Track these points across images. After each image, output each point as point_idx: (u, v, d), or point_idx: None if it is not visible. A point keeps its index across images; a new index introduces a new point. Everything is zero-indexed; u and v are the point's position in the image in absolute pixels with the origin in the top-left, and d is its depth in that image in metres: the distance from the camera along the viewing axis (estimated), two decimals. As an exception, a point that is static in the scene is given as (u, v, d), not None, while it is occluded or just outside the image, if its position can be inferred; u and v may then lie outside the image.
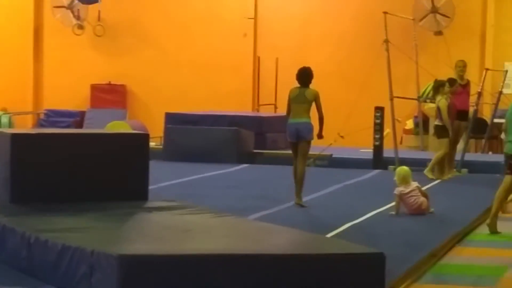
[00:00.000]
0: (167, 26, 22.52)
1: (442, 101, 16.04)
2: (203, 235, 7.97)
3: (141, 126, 17.60)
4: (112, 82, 23.18)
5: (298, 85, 12.98)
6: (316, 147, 17.00)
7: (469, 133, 17.45)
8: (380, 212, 12.11)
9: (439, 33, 21.15)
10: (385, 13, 19.35)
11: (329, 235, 9.43)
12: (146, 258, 6.27)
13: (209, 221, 8.85)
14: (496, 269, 8.60)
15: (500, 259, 9.32)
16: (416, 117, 19.68)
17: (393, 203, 12.23)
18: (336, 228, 10.30)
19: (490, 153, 19.16)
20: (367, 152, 18.39)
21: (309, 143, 13.11)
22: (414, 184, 12.32)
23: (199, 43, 21.98)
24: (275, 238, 8.16)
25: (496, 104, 18.66)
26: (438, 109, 16.05)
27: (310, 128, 13.05)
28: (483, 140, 18.74)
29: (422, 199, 12.09)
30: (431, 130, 17.51)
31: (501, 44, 20.77)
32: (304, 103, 12.98)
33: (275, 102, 21.75)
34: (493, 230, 11.05)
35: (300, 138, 12.93)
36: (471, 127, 17.39)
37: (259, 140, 19.11)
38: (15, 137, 9.84)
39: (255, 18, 22.45)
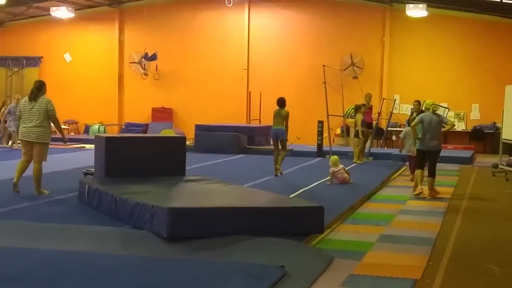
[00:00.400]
0: (195, 73, 25.08)
1: (359, 116, 18.58)
2: (217, 196, 9.48)
3: (181, 132, 20.97)
4: (164, 106, 25.80)
5: (278, 107, 15.99)
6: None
7: (373, 136, 20.11)
8: (321, 182, 13.87)
9: (355, 77, 23.86)
10: (324, 66, 21.60)
11: (291, 195, 11.22)
12: (183, 210, 7.86)
13: (220, 187, 10.52)
14: (389, 216, 10.06)
15: (392, 210, 10.69)
16: (342, 126, 22.98)
17: (329, 177, 14.04)
18: (295, 192, 12.05)
19: (385, 148, 22.94)
20: (313, 147, 21.33)
21: (285, 140, 16.09)
22: (341, 166, 14.07)
23: (214, 83, 24.95)
24: (259, 197, 9.64)
25: (389, 119, 21.31)
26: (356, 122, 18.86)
27: (284, 132, 16.03)
28: (381, 140, 22.31)
29: (346, 175, 13.81)
30: (351, 134, 20.76)
31: (392, 84, 23.15)
32: (280, 117, 16.00)
33: (259, 118, 24.76)
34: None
35: (279, 138, 15.91)
36: (374, 132, 20.20)
37: (250, 140, 21.72)
38: (108, 139, 11.31)
39: (247, 69, 25.27)
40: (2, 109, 22.06)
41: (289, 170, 16.07)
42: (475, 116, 21.89)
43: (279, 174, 15.34)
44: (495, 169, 16.34)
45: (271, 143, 17.63)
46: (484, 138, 21.08)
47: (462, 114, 21.91)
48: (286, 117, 16.17)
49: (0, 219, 8.44)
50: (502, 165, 16.19)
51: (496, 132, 20.08)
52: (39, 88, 10.86)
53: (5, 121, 21.52)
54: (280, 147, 16.11)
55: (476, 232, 8.92)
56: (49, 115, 10.78)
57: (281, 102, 16.40)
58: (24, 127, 10.79)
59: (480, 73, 21.65)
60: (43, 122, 10.76)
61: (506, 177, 15.01)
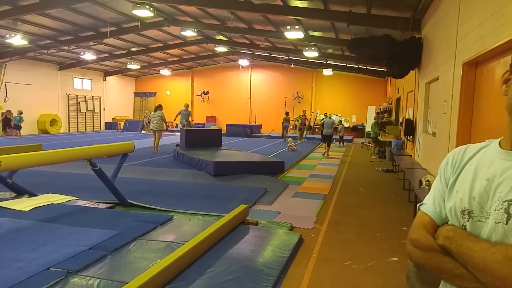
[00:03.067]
0: (225, 100, 24.36)
1: (299, 120, 18.23)
2: (235, 156, 9.15)
3: (219, 127, 19.00)
4: (211, 115, 24.95)
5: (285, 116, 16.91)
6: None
7: (306, 129, 18.94)
8: (282, 150, 12.73)
9: (299, 102, 22.68)
10: (285, 97, 21.78)
11: (269, 156, 10.63)
12: (220, 162, 7.83)
13: (237, 152, 10.06)
14: (314, 165, 9.86)
15: (315, 162, 10.28)
16: (294, 125, 21.15)
17: (286, 148, 13.16)
18: (271, 154, 11.35)
19: (312, 134, 20.13)
20: (279, 134, 18.79)
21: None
22: (292, 142, 13.51)
23: (234, 104, 23.94)
24: (254, 157, 9.39)
25: (314, 122, 20.87)
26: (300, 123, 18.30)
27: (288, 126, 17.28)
28: (310, 131, 20.10)
29: (294, 147, 13.02)
30: (297, 128, 18.99)
31: (315, 105, 22.62)
32: (287, 121, 17.62)
33: (255, 121, 23.79)
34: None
35: (286, 128, 17.30)
36: (307, 128, 19.05)
37: (250, 131, 20.62)
38: (186, 130, 10.92)
39: (250, 98, 24.45)
40: (145, 118, 22.36)
41: (268, 145, 14.92)
42: (354, 120, 21.94)
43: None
44: (362, 144, 16.39)
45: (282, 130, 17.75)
46: (357, 130, 21.15)
47: (348, 119, 21.94)
48: (288, 120, 17.67)
49: (138, 166, 8.46)
50: (366, 143, 16.21)
51: (363, 127, 20.16)
52: (158, 107, 11.98)
53: (148, 122, 21.98)
54: (287, 133, 17.43)
55: (353, 172, 8.92)
56: (162, 118, 11.63)
57: (287, 113, 18.07)
58: (152, 124, 11.79)
59: (356, 100, 21.63)
60: (159, 121, 11.57)
61: (367, 147, 14.99)
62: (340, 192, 6.65)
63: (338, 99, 22.38)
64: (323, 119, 13.08)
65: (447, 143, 5.17)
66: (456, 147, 3.82)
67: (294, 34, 11.93)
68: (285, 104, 22.04)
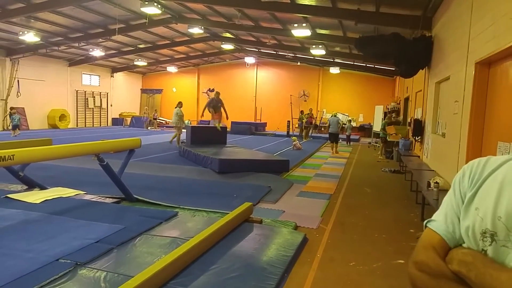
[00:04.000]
0: (232, 97, 23.52)
1: (305, 119, 18.00)
2: (240, 153, 9.20)
3: (224, 125, 17.75)
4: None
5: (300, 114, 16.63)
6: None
7: (312, 128, 18.73)
8: (287, 149, 12.70)
9: (305, 100, 22.46)
10: (290, 95, 21.69)
11: (274, 154, 10.58)
12: (225, 159, 7.85)
13: (241, 150, 10.20)
14: (319, 165, 9.80)
15: (321, 162, 10.29)
16: (299, 124, 21.02)
17: (291, 147, 13.00)
18: (276, 153, 11.31)
19: (318, 133, 19.67)
20: (284, 132, 19.41)
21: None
22: (297, 141, 13.35)
23: (240, 102, 23.44)
24: (259, 155, 9.43)
25: (320, 121, 20.72)
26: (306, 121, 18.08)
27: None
28: (316, 130, 19.72)
29: (299, 145, 12.90)
30: (303, 127, 18.69)
31: (322, 104, 22.41)
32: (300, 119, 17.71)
33: (260, 119, 23.67)
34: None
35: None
36: (313, 126, 18.84)
37: (255, 129, 20.56)
38: (192, 127, 11.23)
39: (255, 96, 24.29)
40: (151, 115, 23.17)
41: (273, 143, 14.85)
42: (361, 119, 21.81)
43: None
44: (369, 144, 16.24)
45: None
46: (364, 130, 21.03)
47: (355, 118, 21.80)
48: (302, 118, 17.92)
49: (144, 162, 8.53)
50: (373, 143, 16.05)
51: (370, 127, 20.07)
52: (178, 104, 12.93)
53: (155, 119, 22.73)
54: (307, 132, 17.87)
55: (359, 172, 8.84)
56: (178, 115, 12.54)
57: (301, 112, 18.07)
58: (172, 120, 12.86)
59: (363, 99, 21.49)
60: (176, 117, 12.57)
61: (374, 147, 14.82)
62: (345, 192, 6.61)
63: (345, 98, 22.26)
64: (330, 118, 13.14)
65: (457, 145, 5.11)
66: (467, 149, 4.30)
67: (301, 32, 11.90)
68: (291, 103, 21.99)
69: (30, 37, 13.72)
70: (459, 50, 5.44)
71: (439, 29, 7.36)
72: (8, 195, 5.01)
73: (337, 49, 16.34)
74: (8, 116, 16.91)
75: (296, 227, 4.40)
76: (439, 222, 0.81)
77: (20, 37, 13.87)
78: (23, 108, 18.11)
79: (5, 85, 17.34)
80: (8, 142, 5.98)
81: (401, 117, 14.14)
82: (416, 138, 9.26)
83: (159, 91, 25.65)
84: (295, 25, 11.59)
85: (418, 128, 8.78)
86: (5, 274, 2.75)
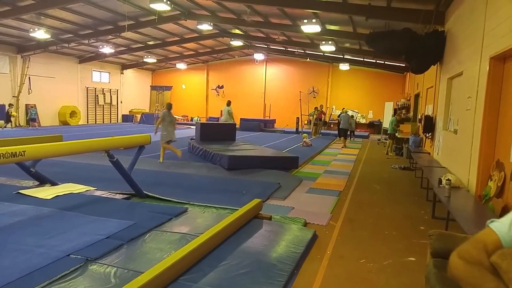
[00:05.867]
0: (240, 94, 23.81)
1: (315, 115, 17.71)
2: (248, 150, 9.08)
3: (234, 122, 18.71)
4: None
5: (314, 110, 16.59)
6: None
7: (321, 124, 18.50)
8: (297, 145, 12.66)
9: (314, 97, 22.30)
10: (300, 91, 21.53)
11: (283, 151, 10.48)
12: (234, 156, 7.76)
13: (250, 146, 9.95)
14: (328, 161, 9.79)
15: (330, 158, 10.28)
16: (308, 120, 20.93)
17: (301, 143, 13.05)
18: (285, 149, 11.27)
19: (327, 130, 19.93)
20: (293, 129, 19.29)
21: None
22: (308, 138, 13.54)
23: (249, 99, 23.43)
24: (268, 151, 9.28)
25: (329, 117, 20.75)
26: (315, 118, 17.79)
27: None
28: (325, 127, 19.95)
29: (309, 142, 13.02)
30: (312, 124, 18.49)
31: (331, 100, 22.20)
32: (311, 115, 17.50)
33: (269, 115, 23.55)
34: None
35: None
36: (323, 123, 18.76)
37: (264, 125, 20.38)
38: (202, 123, 11.14)
39: (264, 93, 24.12)
40: (157, 111, 23.22)
41: (282, 140, 14.81)
42: (370, 116, 21.61)
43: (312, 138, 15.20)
44: (379, 141, 16.01)
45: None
46: (374, 126, 20.84)
47: (364, 115, 21.65)
48: (313, 114, 17.74)
49: (153, 158, 8.53)
50: (383, 140, 15.80)
51: (379, 124, 19.90)
52: (228, 103, 12.84)
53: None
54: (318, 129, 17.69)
55: (369, 169, 8.78)
56: (229, 113, 12.43)
57: (315, 109, 17.75)
58: (222, 118, 12.95)
59: (373, 96, 21.30)
60: (226, 115, 12.49)
61: (383, 144, 14.58)
62: (355, 189, 6.55)
63: (354, 95, 22.07)
64: (340, 114, 13.29)
65: (470, 141, 5.02)
66: (480, 145, 4.20)
67: (311, 28, 11.79)
68: (300, 99, 21.88)
69: (40, 34, 13.82)
70: (473, 45, 5.34)
71: (453, 24, 7.22)
72: (20, 191, 5.07)
73: (347, 45, 16.18)
74: (11, 111, 17.21)
75: (305, 224, 4.37)
76: (502, 224, 0.82)
77: (31, 34, 13.99)
78: (35, 105, 18.34)
79: (16, 82, 17.58)
80: (19, 138, 6.06)
81: (411, 114, 13.99)
82: (427, 135, 9.13)
83: (169, 88, 25.72)
84: (305, 21, 11.50)
85: (429, 124, 8.66)
86: (17, 269, 2.77)
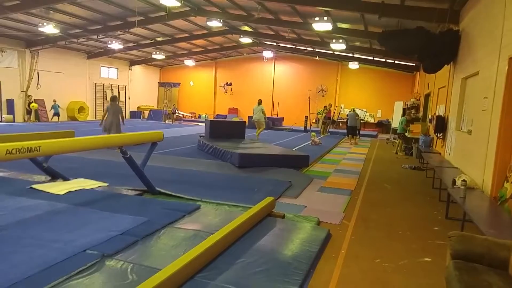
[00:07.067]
0: (248, 91, 23.87)
1: (324, 114, 17.57)
2: (259, 148, 9.07)
3: (242, 120, 18.82)
4: (232, 107, 24.65)
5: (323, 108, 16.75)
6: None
7: (330, 123, 18.24)
8: (306, 144, 12.69)
9: (323, 96, 22.15)
10: (309, 90, 21.44)
11: (293, 149, 10.54)
12: (245, 154, 7.76)
13: (260, 144, 10.05)
14: (338, 160, 9.73)
15: (340, 157, 10.19)
16: (317, 119, 20.82)
17: (310, 142, 13.06)
18: (294, 148, 11.28)
19: (336, 129, 19.59)
20: (301, 127, 19.35)
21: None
22: (316, 137, 13.39)
23: (257, 96, 22.67)
24: (278, 150, 9.14)
25: (337, 116, 20.51)
26: (324, 117, 17.65)
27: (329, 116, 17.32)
28: (334, 125, 19.44)
29: (318, 140, 12.96)
30: (320, 122, 18.43)
31: (340, 99, 22.04)
32: (320, 113, 17.09)
33: (277, 114, 23.46)
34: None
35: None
36: (331, 122, 18.44)
37: (272, 124, 20.22)
38: (211, 121, 11.00)
39: (272, 90, 23.96)
40: (170, 109, 23.55)
41: (290, 138, 14.81)
42: (379, 115, 21.46)
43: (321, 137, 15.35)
44: (387, 140, 15.94)
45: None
46: (382, 126, 20.72)
47: (372, 114, 21.52)
48: (321, 113, 17.71)
49: (163, 155, 8.58)
50: (392, 139, 15.72)
51: (388, 123, 19.79)
52: (260, 102, 13.26)
53: (173, 113, 22.91)
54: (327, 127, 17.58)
55: (379, 169, 8.71)
56: (262, 111, 12.87)
57: (324, 107, 17.65)
58: (254, 116, 12.95)
59: (382, 95, 21.17)
60: (259, 113, 12.88)
61: (392, 143, 14.51)
62: (366, 188, 6.52)
63: (363, 94, 21.95)
64: (349, 113, 13.42)
65: (485, 142, 4.97)
66: (497, 146, 4.17)
67: (322, 26, 11.71)
68: (309, 97, 21.81)
69: (49, 29, 13.88)
70: (490, 44, 5.27)
71: (468, 23, 7.13)
72: (33, 186, 5.11)
73: (357, 43, 16.07)
74: (32, 104, 17.50)
75: (319, 223, 4.35)
76: None
77: (40, 29, 14.07)
78: (43, 100, 18.50)
79: (25, 77, 17.73)
80: (30, 133, 6.08)
81: (420, 114, 13.88)
82: (438, 135, 9.05)
83: (177, 84, 25.79)
84: (316, 18, 11.43)
85: (441, 125, 8.58)
86: (35, 263, 2.79)
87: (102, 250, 3.10)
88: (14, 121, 17.12)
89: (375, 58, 18.79)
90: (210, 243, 3.05)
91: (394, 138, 14.77)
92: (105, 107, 9.41)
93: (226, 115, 23.95)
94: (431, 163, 7.01)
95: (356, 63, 20.30)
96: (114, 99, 9.25)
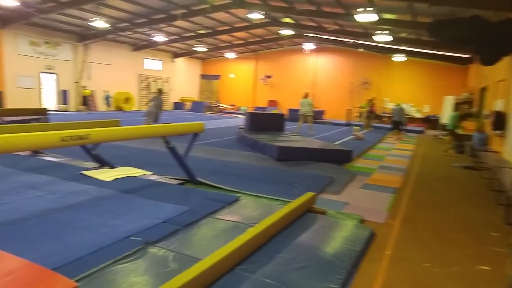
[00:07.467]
0: (288, 83, 23.73)
1: (367, 108, 17.13)
2: (298, 141, 8.93)
3: (281, 112, 18.68)
4: (272, 99, 24.65)
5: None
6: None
7: (373, 117, 17.74)
8: (349, 139, 12.32)
9: (366, 88, 21.35)
10: (350, 82, 20.70)
11: (334, 143, 10.29)
12: (283, 147, 7.69)
13: (300, 138, 9.91)
14: (382, 156, 9.36)
15: (384, 153, 9.75)
16: (359, 112, 20.00)
17: (352, 136, 12.90)
18: (335, 142, 11.01)
19: (380, 123, 18.93)
20: (343, 121, 18.78)
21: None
22: (359, 131, 13.22)
23: (297, 88, 22.63)
24: (319, 143, 8.96)
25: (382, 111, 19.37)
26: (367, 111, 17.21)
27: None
28: (377, 120, 19.03)
29: (361, 135, 12.68)
30: (363, 116, 17.78)
31: (386, 93, 21.14)
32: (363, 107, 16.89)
33: (318, 106, 22.57)
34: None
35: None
36: (374, 116, 17.93)
37: (313, 117, 19.98)
38: (250, 113, 11.09)
39: (313, 83, 23.41)
40: (212, 101, 24.09)
41: (333, 132, 14.61)
42: (426, 110, 20.40)
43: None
44: (435, 137, 15.09)
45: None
46: (430, 121, 19.72)
47: (419, 108, 20.51)
48: (365, 107, 17.36)
49: (203, 146, 8.64)
50: (440, 136, 14.77)
51: (436, 119, 18.79)
52: (307, 94, 13.64)
53: (215, 106, 23.21)
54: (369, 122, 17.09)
55: (427, 166, 8.32)
56: (310, 104, 13.28)
57: (368, 100, 17.21)
58: (302, 109, 13.13)
59: (430, 89, 20.12)
60: (308, 107, 13.18)
61: (441, 140, 13.76)
62: (413, 187, 6.20)
63: (409, 87, 20.96)
64: (394, 107, 13.11)
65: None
66: None
67: (366, 17, 11.25)
68: (351, 90, 21.19)
69: (100, 23, 14.63)
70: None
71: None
72: (83, 172, 5.38)
73: (404, 35, 15.31)
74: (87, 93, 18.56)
75: (362, 221, 4.19)
76: None
77: (91, 24, 14.86)
78: (93, 90, 19.49)
79: (77, 69, 18.75)
80: (80, 122, 6.38)
81: (474, 109, 13.01)
82: (498, 132, 8.40)
83: (217, 77, 26.09)
84: (360, 9, 11.01)
85: (500, 121, 7.94)
86: (85, 246, 2.92)
87: (145, 237, 3.17)
88: (68, 111, 18.21)
89: (423, 50, 17.83)
90: (251, 235, 3.02)
91: (443, 135, 14.02)
92: (150, 97, 10.19)
93: (266, 108, 23.88)
94: (488, 162, 6.56)
95: (402, 55, 19.39)
96: (159, 91, 9.76)
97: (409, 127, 17.53)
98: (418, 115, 20.45)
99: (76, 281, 2.35)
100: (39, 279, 2.17)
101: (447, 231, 4.13)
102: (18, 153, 6.33)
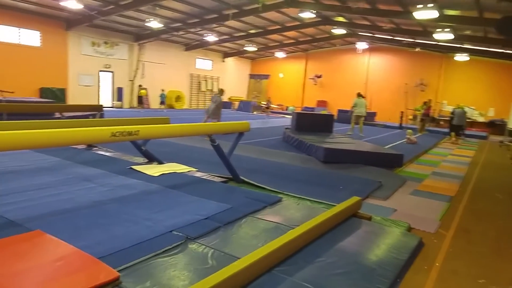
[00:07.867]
0: (339, 83, 23.33)
1: (422, 110, 16.12)
2: (346, 143, 8.62)
3: (330, 112, 17.90)
4: (321, 99, 24.48)
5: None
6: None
7: (429, 120, 16.64)
8: (401, 142, 11.93)
9: (422, 90, 20.33)
10: (406, 83, 19.96)
11: (385, 147, 9.83)
12: (330, 149, 7.52)
13: (349, 140, 9.57)
14: (437, 162, 8.92)
15: (439, 159, 9.31)
16: (414, 115, 19.04)
17: (405, 139, 12.31)
18: (386, 145, 10.60)
19: (436, 127, 17.89)
20: (397, 124, 17.89)
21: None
22: (413, 135, 12.40)
23: (348, 89, 22.21)
24: (369, 146, 8.77)
25: (438, 113, 18.15)
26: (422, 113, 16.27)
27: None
28: (433, 123, 18.02)
29: (414, 139, 11.96)
30: (418, 119, 16.86)
31: (444, 95, 19.98)
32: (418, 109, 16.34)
33: (370, 108, 21.41)
34: None
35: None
36: (430, 119, 16.80)
37: (365, 118, 19.52)
38: (298, 113, 11.10)
39: (365, 83, 22.79)
40: (262, 101, 23.75)
41: (384, 134, 14.19)
42: (491, 114, 18.91)
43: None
44: (501, 143, 13.99)
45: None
46: (494, 126, 18.26)
47: (483, 112, 19.07)
48: (420, 109, 16.53)
49: (248, 145, 8.73)
50: (506, 142, 13.74)
51: (502, 123, 17.37)
52: (361, 95, 13.25)
53: (267, 107, 23.06)
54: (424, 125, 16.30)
55: (488, 175, 7.77)
56: (365, 106, 13.13)
57: (424, 102, 16.12)
58: (356, 110, 12.91)
59: (496, 91, 18.65)
60: (363, 108, 13.04)
61: (507, 147, 12.77)
62: (470, 196, 5.79)
63: (472, 89, 19.58)
64: (453, 110, 12.74)
65: None
66: None
67: (426, 14, 10.69)
68: (406, 92, 20.23)
69: (154, 24, 15.38)
70: None
71: None
72: (132, 167, 5.64)
73: (468, 32, 14.34)
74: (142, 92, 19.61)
75: (409, 229, 3.99)
76: None
77: (147, 24, 15.65)
78: (146, 88, 20.49)
79: (133, 68, 19.81)
80: (131, 118, 6.73)
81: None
82: None
83: (266, 76, 26.22)
84: (419, 6, 10.46)
85: None
86: (129, 238, 3.05)
87: (187, 232, 3.25)
88: (122, 107, 19.31)
89: (489, 49, 16.52)
90: (291, 237, 2.98)
91: (510, 141, 12.94)
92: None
93: (314, 108, 23.56)
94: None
95: (465, 54, 18.13)
96: (220, 92, 10.29)
97: (469, 132, 16.43)
98: (481, 119, 19.05)
99: (119, 271, 2.45)
100: (86, 267, 2.31)
101: (508, 246, 3.80)
102: (76, 146, 6.82)
